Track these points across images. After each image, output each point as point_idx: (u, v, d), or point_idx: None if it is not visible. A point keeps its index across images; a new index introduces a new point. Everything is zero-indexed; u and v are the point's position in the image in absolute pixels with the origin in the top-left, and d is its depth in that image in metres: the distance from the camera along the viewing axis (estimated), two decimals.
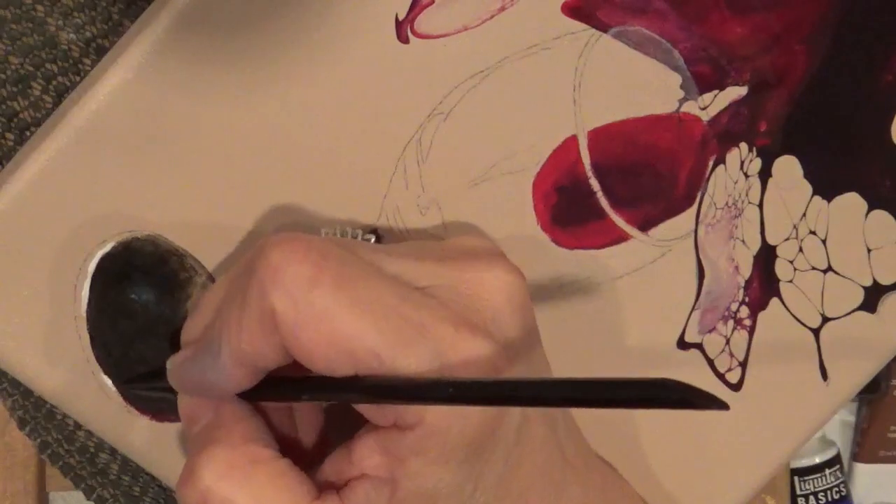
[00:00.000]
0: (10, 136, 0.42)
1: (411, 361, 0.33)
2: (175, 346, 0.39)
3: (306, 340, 0.33)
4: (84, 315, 0.39)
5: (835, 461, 0.68)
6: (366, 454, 0.35)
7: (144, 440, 0.41)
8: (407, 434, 0.34)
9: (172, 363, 0.37)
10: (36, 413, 0.46)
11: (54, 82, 0.42)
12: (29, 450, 0.55)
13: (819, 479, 0.72)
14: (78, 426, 0.46)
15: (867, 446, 0.71)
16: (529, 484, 0.37)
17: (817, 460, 0.67)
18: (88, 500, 0.48)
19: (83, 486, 0.47)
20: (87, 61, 0.42)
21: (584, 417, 0.42)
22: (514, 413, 0.36)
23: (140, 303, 0.39)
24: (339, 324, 0.32)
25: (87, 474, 0.47)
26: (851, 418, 0.72)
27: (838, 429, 0.72)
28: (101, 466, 0.47)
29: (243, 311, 0.33)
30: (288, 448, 0.37)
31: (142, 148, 0.38)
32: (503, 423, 0.35)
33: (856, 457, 0.72)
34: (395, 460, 0.34)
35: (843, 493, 0.69)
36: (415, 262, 0.35)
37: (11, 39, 0.41)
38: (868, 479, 0.72)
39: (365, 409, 0.35)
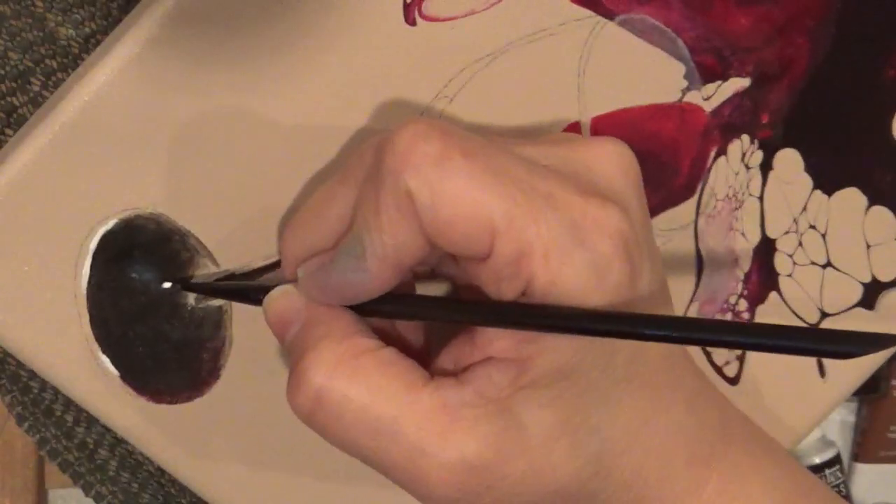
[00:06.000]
0: (9, 131, 0.42)
1: (542, 230, 0.32)
2: (175, 327, 0.40)
3: (445, 216, 0.32)
4: (84, 293, 0.39)
5: (835, 461, 0.68)
6: (495, 336, 0.34)
7: (141, 422, 0.40)
8: None
9: (306, 271, 0.36)
10: (35, 409, 0.46)
11: (54, 78, 0.42)
12: (28, 446, 0.55)
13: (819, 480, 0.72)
14: (77, 422, 0.46)
15: (867, 446, 0.71)
16: (656, 368, 0.36)
17: (817, 460, 0.67)
18: (87, 496, 0.48)
19: (82, 483, 0.47)
20: (87, 57, 0.42)
21: None
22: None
23: (141, 282, 0.39)
24: (474, 193, 0.32)
25: (86, 470, 0.47)
26: (851, 418, 0.72)
27: (838, 429, 0.72)
28: (100, 463, 0.47)
29: (379, 204, 0.33)
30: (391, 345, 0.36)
31: (146, 128, 0.38)
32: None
33: (856, 457, 0.72)
34: (527, 340, 0.33)
35: (843, 494, 0.69)
36: (531, 144, 0.35)
37: (11, 35, 0.41)
38: (868, 479, 0.71)
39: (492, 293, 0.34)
